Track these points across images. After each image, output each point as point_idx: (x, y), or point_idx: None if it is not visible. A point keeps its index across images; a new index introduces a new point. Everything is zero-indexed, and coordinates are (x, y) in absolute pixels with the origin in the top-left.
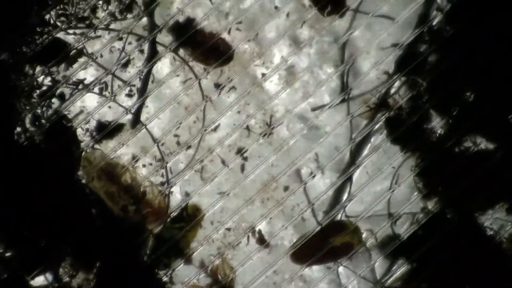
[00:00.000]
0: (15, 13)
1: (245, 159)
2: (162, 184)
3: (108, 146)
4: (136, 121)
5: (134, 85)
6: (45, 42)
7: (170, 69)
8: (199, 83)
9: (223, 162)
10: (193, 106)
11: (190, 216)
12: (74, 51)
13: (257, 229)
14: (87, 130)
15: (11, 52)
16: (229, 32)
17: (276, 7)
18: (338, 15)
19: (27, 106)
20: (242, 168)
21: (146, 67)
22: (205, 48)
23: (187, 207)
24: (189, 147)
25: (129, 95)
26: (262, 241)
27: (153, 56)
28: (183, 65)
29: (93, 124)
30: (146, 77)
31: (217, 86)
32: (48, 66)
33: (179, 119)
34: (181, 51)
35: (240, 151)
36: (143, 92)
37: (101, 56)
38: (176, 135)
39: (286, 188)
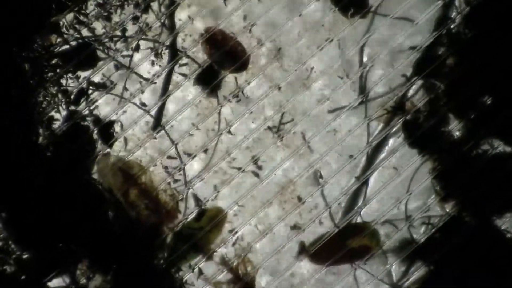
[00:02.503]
0: (35, 15)
1: (260, 162)
2: (178, 186)
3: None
4: (157, 124)
5: (155, 83)
6: (63, 44)
7: (187, 71)
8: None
9: (239, 168)
10: (211, 110)
11: (210, 218)
12: (93, 52)
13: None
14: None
15: (30, 52)
16: (250, 31)
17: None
18: (360, 16)
19: (45, 108)
20: (259, 171)
21: (165, 68)
22: (223, 51)
23: (204, 209)
24: (205, 150)
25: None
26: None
27: (173, 58)
28: (200, 68)
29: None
30: (168, 79)
31: (233, 90)
32: (66, 67)
33: (196, 123)
34: (201, 53)
35: (254, 158)
36: (163, 94)
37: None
38: (192, 138)
39: (299, 199)
